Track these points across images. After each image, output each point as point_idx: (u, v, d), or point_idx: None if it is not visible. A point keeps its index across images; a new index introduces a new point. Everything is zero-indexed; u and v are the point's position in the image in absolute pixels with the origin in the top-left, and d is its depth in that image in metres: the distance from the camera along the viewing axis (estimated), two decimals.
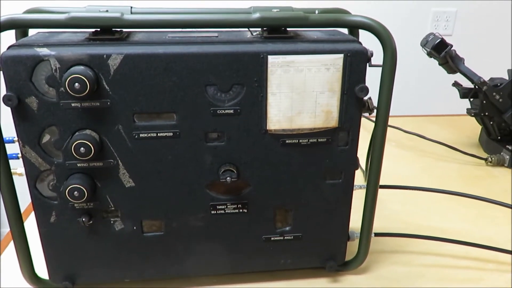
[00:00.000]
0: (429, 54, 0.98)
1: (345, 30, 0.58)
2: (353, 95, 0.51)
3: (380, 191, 0.87)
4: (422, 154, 1.06)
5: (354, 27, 0.51)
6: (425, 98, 1.89)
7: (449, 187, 0.91)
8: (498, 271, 0.66)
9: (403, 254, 0.70)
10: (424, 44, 0.98)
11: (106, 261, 0.57)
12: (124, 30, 0.52)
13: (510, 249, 0.67)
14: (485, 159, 0.99)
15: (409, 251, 0.71)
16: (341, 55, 0.49)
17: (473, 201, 0.70)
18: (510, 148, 0.98)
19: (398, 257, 0.69)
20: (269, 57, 0.48)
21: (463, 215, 0.81)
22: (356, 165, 0.58)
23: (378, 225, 0.78)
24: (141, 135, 0.50)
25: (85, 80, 0.45)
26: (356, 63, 0.50)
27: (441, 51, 0.94)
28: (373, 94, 0.53)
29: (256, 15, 0.49)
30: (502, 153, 0.99)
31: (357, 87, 0.51)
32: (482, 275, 0.66)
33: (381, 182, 0.91)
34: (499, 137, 1.02)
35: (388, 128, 1.16)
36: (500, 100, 0.94)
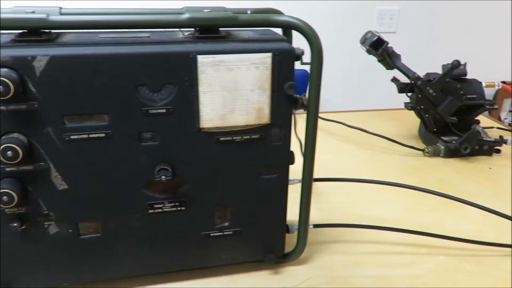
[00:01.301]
0: (368, 52, 1.02)
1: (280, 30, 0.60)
2: (283, 92, 0.53)
3: (323, 184, 0.91)
4: (365, 147, 1.10)
5: (281, 27, 0.53)
6: (369, 94, 1.97)
7: (390, 178, 0.95)
8: (430, 255, 0.71)
9: (343, 243, 0.73)
10: (362, 42, 1.01)
11: (43, 266, 0.56)
12: (54, 31, 0.52)
13: (441, 233, 0.71)
14: (423, 150, 1.05)
15: (349, 241, 0.74)
16: (269, 54, 0.51)
17: (410, 190, 0.74)
18: (444, 139, 1.04)
19: (338, 247, 0.72)
20: (199, 56, 0.49)
21: (401, 204, 0.85)
22: (291, 160, 0.60)
23: (321, 217, 0.81)
24: (72, 137, 0.50)
25: (9, 82, 0.44)
26: (284, 61, 0.52)
27: (378, 48, 0.99)
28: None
29: (186, 16, 0.50)
30: (437, 144, 1.05)
31: (286, 84, 0.53)
32: (416, 259, 0.70)
33: (326, 175, 0.95)
34: (435, 129, 1.07)
35: (333, 123, 1.22)
36: (434, 94, 1.00)
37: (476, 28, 2.07)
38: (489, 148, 1.04)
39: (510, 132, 1.20)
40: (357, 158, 1.05)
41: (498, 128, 1.21)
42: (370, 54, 1.02)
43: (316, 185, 0.91)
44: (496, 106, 1.05)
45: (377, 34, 0.99)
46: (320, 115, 1.31)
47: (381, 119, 1.28)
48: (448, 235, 0.72)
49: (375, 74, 1.60)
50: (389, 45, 1.01)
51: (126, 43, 0.49)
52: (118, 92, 0.49)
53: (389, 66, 1.03)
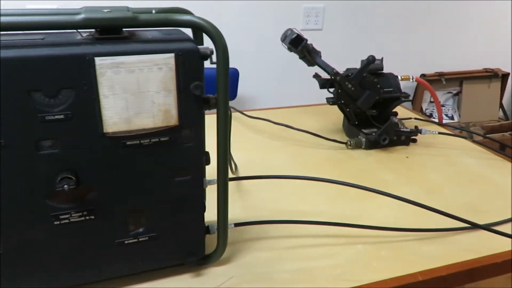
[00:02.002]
0: (289, 49, 1.04)
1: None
2: (189, 93, 0.53)
3: (248, 182, 0.92)
4: (291, 143, 1.12)
5: (184, 26, 0.52)
6: (297, 90, 2.01)
7: (315, 172, 0.98)
8: (349, 244, 0.73)
9: (267, 240, 0.74)
10: (283, 39, 1.03)
11: None
12: None
13: (360, 223, 0.74)
14: (345, 143, 1.09)
15: (272, 237, 0.75)
16: (172, 55, 0.50)
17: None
18: (365, 131, 1.08)
19: (262, 244, 0.73)
20: (96, 59, 0.47)
21: (324, 197, 0.87)
22: (206, 160, 0.60)
23: (246, 215, 0.81)
24: None
25: None
26: (189, 61, 0.51)
27: (298, 45, 1.01)
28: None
29: (81, 16, 0.47)
30: (359, 137, 1.09)
31: (192, 85, 0.52)
32: (335, 249, 0.72)
33: (253, 173, 0.95)
34: (356, 122, 1.11)
35: (259, 121, 1.23)
36: (353, 88, 1.04)
37: (397, 24, 2.17)
38: (406, 138, 1.10)
39: (426, 122, 1.27)
40: (284, 154, 1.06)
41: (415, 118, 1.28)
42: (291, 51, 1.04)
43: (242, 183, 0.91)
44: (410, 98, 1.11)
45: (297, 31, 1.01)
46: (247, 113, 1.32)
47: (308, 115, 1.31)
48: (366, 224, 0.75)
49: (302, 71, 1.63)
50: (309, 42, 1.03)
51: (15, 46, 0.46)
52: (8, 99, 0.46)
53: (310, 63, 1.06)
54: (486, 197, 0.88)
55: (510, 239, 0.70)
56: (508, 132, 2.32)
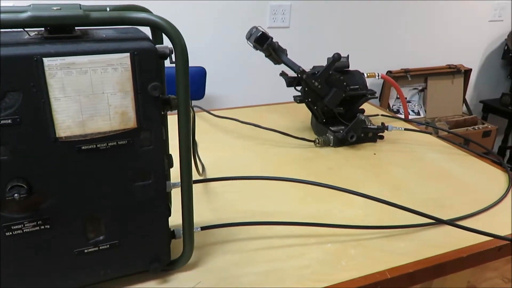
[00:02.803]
0: (255, 47, 1.03)
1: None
2: (148, 94, 0.50)
3: (216, 183, 0.90)
4: (260, 142, 1.11)
5: (140, 25, 0.50)
6: (265, 89, 2.01)
7: (284, 171, 0.97)
8: (318, 244, 0.73)
9: (235, 242, 0.73)
10: (248, 37, 1.02)
11: None
12: None
13: (328, 222, 0.74)
14: (314, 141, 1.08)
15: (240, 239, 0.73)
16: (127, 54, 0.48)
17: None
18: (333, 129, 1.08)
19: (230, 246, 0.71)
20: (45, 59, 0.45)
21: (293, 196, 0.86)
22: (168, 163, 0.58)
23: (214, 217, 0.80)
24: None
25: None
26: (145, 61, 0.49)
27: (263, 43, 0.99)
28: None
29: (26, 14, 0.45)
30: (327, 134, 1.09)
31: (149, 85, 0.50)
32: (305, 250, 0.71)
33: (221, 173, 0.94)
34: (324, 120, 1.11)
35: (227, 120, 1.21)
36: (319, 86, 1.03)
37: (363, 22, 2.20)
38: (374, 135, 1.10)
39: (392, 119, 1.29)
40: (252, 154, 1.05)
41: (382, 115, 1.30)
42: (256, 49, 1.03)
43: (210, 186, 0.89)
44: (376, 95, 1.11)
45: (262, 29, 1.00)
46: (215, 112, 1.30)
47: (276, 113, 1.30)
48: (335, 223, 0.75)
49: (270, 69, 1.63)
50: (275, 40, 1.02)
51: None
52: None
53: (276, 61, 1.05)
54: (451, 192, 0.89)
55: (474, 234, 0.71)
56: (471, 127, 2.39)
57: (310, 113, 1.19)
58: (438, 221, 0.73)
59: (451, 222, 0.72)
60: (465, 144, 1.14)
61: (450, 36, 2.48)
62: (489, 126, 2.42)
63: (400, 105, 2.37)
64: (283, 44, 1.05)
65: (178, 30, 0.50)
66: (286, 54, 1.04)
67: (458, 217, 0.79)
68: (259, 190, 0.88)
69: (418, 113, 2.46)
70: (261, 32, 0.99)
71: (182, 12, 1.76)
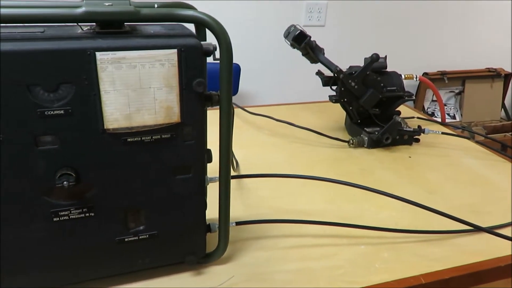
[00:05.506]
0: (292, 45, 1.03)
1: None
2: (192, 90, 0.52)
3: (248, 180, 0.91)
4: (292, 141, 1.11)
5: (186, 21, 0.51)
6: (299, 87, 2.00)
7: (316, 170, 0.97)
8: (350, 245, 0.72)
9: (267, 239, 0.73)
10: (286, 35, 1.02)
11: None
12: None
13: (361, 223, 0.73)
14: (348, 142, 1.08)
15: (273, 236, 0.74)
16: (175, 50, 0.49)
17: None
18: (368, 130, 1.07)
19: (262, 243, 0.72)
20: (97, 53, 0.46)
21: (325, 196, 0.86)
22: (207, 158, 0.59)
23: (246, 213, 0.81)
24: None
25: None
26: (191, 57, 0.50)
27: (301, 42, 0.99)
28: None
29: (81, 10, 0.46)
30: (361, 135, 1.08)
31: (194, 82, 0.51)
32: (337, 250, 0.71)
33: (253, 170, 0.95)
34: (359, 121, 1.10)
35: (261, 118, 1.22)
36: (356, 86, 1.02)
37: (400, 22, 2.16)
38: (409, 137, 1.09)
39: (428, 122, 1.26)
40: (285, 152, 1.05)
41: (418, 118, 1.27)
42: (294, 48, 1.03)
43: (243, 181, 0.90)
44: (413, 98, 1.10)
45: (300, 28, 1.00)
46: (248, 109, 1.30)
47: (310, 112, 1.30)
48: (368, 224, 0.74)
49: (305, 68, 1.63)
50: (312, 39, 1.02)
51: (14, 39, 0.45)
52: (6, 93, 0.45)
53: (313, 60, 1.04)
54: (487, 198, 0.87)
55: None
56: (510, 133, 2.31)
57: (343, 113, 1.18)
58: (477, 229, 0.71)
59: (490, 230, 0.71)
60: (502, 150, 1.11)
61: (491, 38, 2.41)
62: None
63: (435, 108, 2.32)
64: (318, 43, 1.04)
65: (224, 28, 0.51)
66: (323, 53, 1.04)
67: (495, 225, 0.77)
68: (291, 188, 0.89)
69: (454, 117, 2.40)
70: (299, 31, 0.99)
71: (217, 9, 1.77)
